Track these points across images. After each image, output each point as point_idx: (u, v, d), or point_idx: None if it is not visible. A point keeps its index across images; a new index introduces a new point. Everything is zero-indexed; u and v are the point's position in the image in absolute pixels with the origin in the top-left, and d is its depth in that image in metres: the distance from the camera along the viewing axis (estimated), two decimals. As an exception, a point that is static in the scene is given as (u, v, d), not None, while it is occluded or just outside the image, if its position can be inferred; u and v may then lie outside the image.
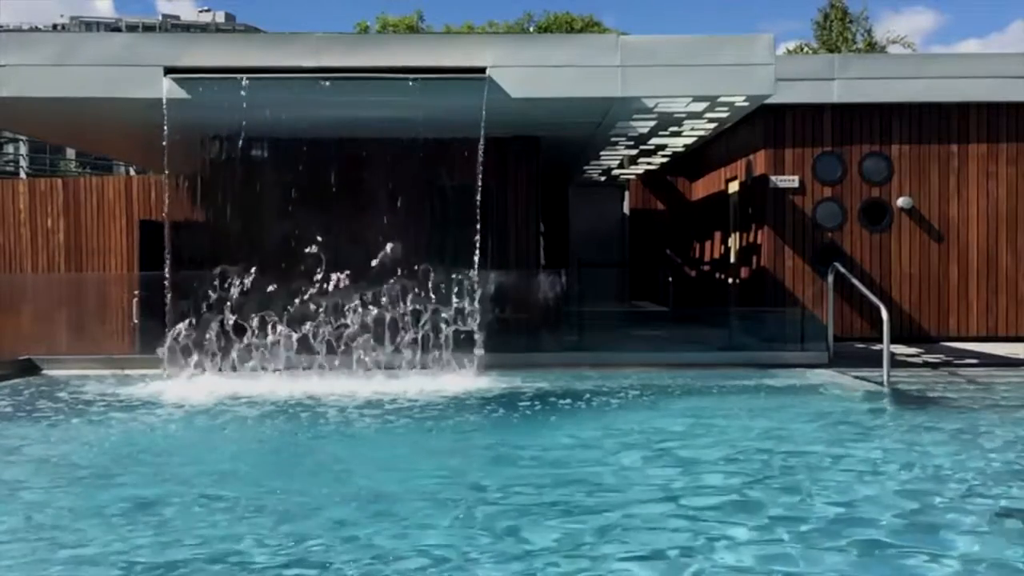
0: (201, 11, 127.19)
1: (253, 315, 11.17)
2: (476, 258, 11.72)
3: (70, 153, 70.05)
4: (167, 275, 11.71)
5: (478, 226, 11.78)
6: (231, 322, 11.14)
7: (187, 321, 11.09)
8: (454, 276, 11.77)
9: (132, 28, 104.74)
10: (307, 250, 11.59)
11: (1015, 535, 5.34)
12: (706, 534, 5.25)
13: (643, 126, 14.44)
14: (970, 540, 5.21)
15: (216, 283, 11.23)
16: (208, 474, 6.90)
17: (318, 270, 11.38)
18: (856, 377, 11.12)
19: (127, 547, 5.14)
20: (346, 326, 11.28)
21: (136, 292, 13.23)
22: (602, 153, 17.64)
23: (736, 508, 5.80)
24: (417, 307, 11.37)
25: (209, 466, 7.20)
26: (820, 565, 4.80)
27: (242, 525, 5.54)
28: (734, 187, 17.27)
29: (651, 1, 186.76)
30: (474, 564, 4.82)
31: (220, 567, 4.81)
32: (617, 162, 19.18)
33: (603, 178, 21.59)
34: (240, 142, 12.85)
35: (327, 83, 11.32)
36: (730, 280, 17.54)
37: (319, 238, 11.44)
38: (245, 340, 11.15)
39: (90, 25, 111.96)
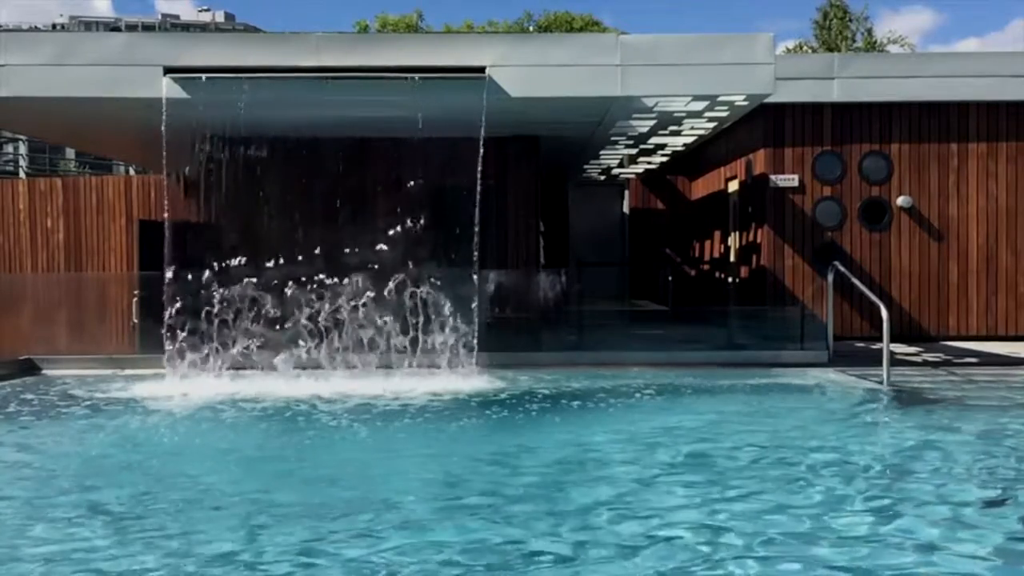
0: (200, 11, 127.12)
1: (253, 316, 11.16)
2: (476, 257, 11.72)
3: (70, 153, 70.04)
4: (166, 275, 11.69)
5: (478, 225, 11.77)
6: (231, 323, 11.13)
7: (186, 322, 11.08)
8: (453, 275, 11.76)
9: (131, 28, 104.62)
10: (306, 249, 11.59)
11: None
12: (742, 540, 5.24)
13: (643, 125, 14.44)
14: (968, 536, 5.23)
15: (215, 284, 11.22)
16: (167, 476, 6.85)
17: (317, 269, 11.37)
18: (856, 376, 11.13)
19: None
20: (344, 326, 11.26)
21: (136, 292, 13.23)
22: (602, 152, 17.64)
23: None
24: (416, 306, 11.36)
25: (180, 468, 7.15)
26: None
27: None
28: (734, 186, 17.27)
29: (650, 0, 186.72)
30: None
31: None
32: (617, 161, 19.18)
33: (603, 177, 21.60)
34: (239, 142, 12.85)
35: (327, 83, 11.32)
36: (730, 279, 17.54)
37: (318, 237, 11.44)
38: (244, 341, 11.14)
39: (89, 25, 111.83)
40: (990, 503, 5.92)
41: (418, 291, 11.38)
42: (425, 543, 5.13)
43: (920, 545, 5.10)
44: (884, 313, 10.79)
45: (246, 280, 11.19)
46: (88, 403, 9.78)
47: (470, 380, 10.84)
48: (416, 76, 11.24)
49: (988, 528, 5.40)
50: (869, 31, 39.37)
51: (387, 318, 11.29)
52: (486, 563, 4.81)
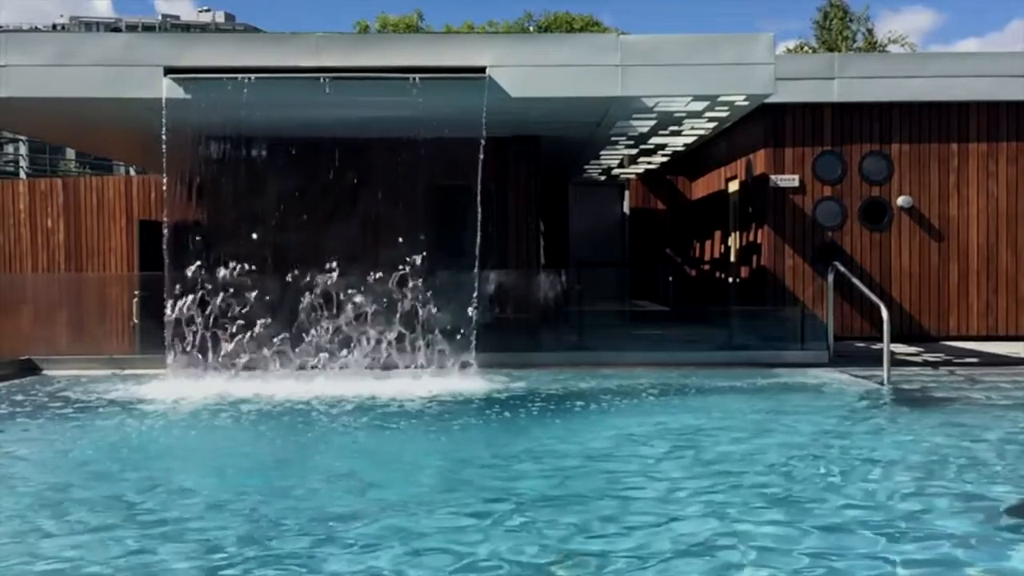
0: (201, 11, 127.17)
1: (253, 316, 11.15)
2: (476, 257, 11.71)
3: (70, 153, 70.09)
4: (166, 275, 11.69)
5: (478, 225, 11.77)
6: (231, 323, 11.12)
7: (185, 323, 11.07)
8: (454, 276, 11.75)
9: (132, 28, 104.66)
10: (306, 250, 11.59)
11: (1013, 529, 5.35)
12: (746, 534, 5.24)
13: (643, 125, 14.44)
14: (967, 535, 5.23)
15: (215, 284, 11.21)
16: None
17: (317, 270, 11.37)
18: (857, 376, 11.12)
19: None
20: (344, 327, 11.26)
21: (136, 292, 13.23)
22: (602, 152, 17.64)
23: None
24: (416, 307, 11.36)
25: (177, 470, 7.14)
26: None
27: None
28: (734, 186, 17.26)
29: (650, 0, 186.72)
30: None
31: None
32: (617, 161, 19.17)
33: (603, 177, 21.59)
34: (240, 142, 12.84)
35: (327, 83, 11.31)
36: (730, 279, 17.54)
37: (318, 238, 11.44)
38: (244, 341, 11.13)
39: (89, 25, 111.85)
40: (1014, 500, 5.92)
41: (417, 291, 11.37)
42: (436, 547, 5.12)
43: (955, 541, 5.10)
44: (884, 313, 10.79)
45: (245, 281, 11.18)
46: (83, 404, 9.76)
47: (469, 380, 10.83)
48: (416, 76, 11.24)
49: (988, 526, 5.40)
50: (869, 31, 39.37)
51: (386, 318, 11.28)
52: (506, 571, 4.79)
